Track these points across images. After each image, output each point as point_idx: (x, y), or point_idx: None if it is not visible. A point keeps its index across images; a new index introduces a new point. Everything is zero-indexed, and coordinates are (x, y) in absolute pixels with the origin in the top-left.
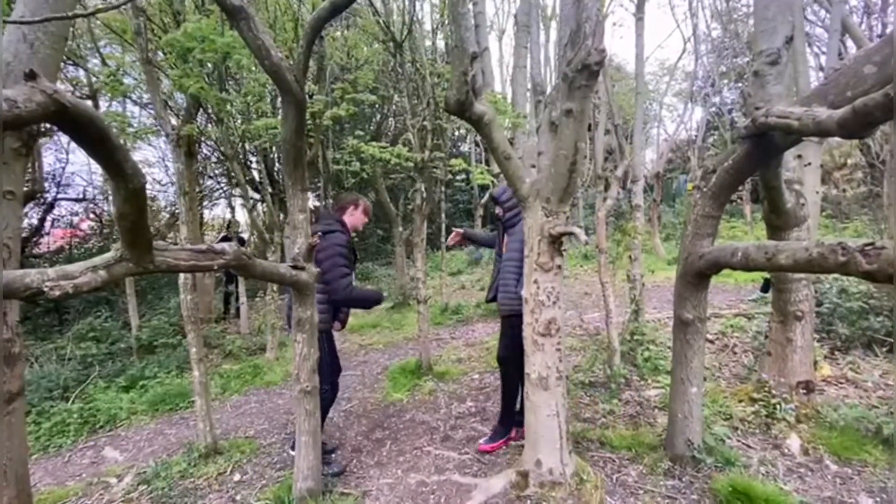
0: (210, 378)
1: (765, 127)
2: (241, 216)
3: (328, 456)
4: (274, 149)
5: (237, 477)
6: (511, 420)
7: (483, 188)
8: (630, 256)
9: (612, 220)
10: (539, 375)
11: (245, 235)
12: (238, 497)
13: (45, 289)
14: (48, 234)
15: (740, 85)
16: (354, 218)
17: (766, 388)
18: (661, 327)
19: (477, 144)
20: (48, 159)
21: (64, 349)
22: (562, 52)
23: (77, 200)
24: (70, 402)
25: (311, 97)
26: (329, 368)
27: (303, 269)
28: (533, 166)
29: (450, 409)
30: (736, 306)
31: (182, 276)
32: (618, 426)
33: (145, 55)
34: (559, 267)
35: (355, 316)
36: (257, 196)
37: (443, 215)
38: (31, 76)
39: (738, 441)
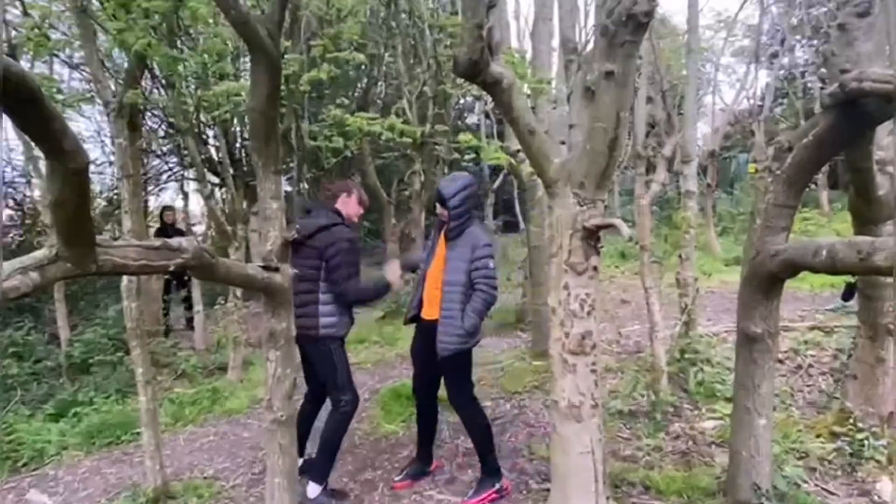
0: (159, 405)
1: (857, 93)
2: (196, 204)
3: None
4: (236, 121)
5: None
6: (497, 467)
7: (495, 170)
8: (680, 255)
9: (655, 209)
10: (569, 403)
11: (183, 227)
12: None
13: None
14: None
15: (816, 42)
16: (349, 207)
17: (852, 420)
18: (717, 343)
19: (487, 116)
20: None
21: None
22: (600, 1)
23: None
24: None
25: (283, 56)
26: (347, 375)
27: (276, 269)
28: (562, 143)
29: (455, 445)
30: (811, 317)
31: (126, 279)
32: (665, 466)
33: (79, 3)
34: (595, 268)
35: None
36: (216, 179)
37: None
38: None
39: (817, 485)
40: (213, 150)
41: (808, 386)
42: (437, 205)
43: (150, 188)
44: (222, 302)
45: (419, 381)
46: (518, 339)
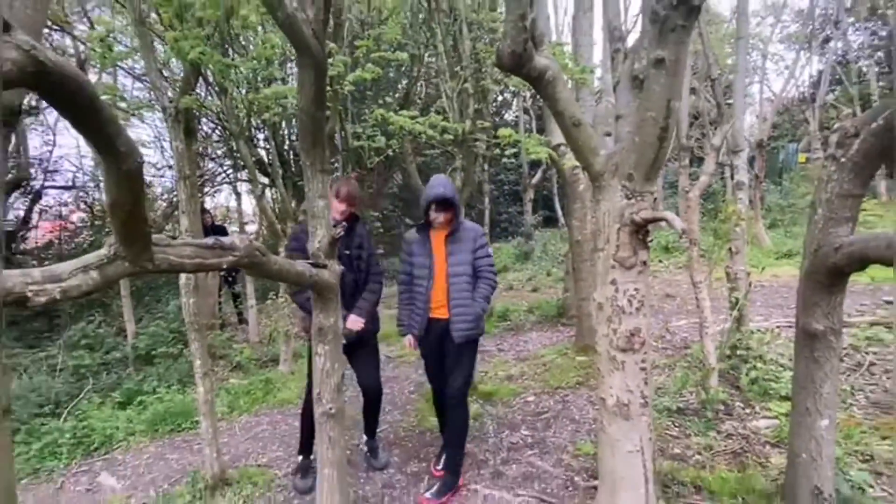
0: (215, 395)
1: None
2: (249, 203)
3: None
4: (284, 124)
5: None
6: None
7: (534, 165)
8: (730, 249)
9: (701, 202)
10: (618, 401)
11: (236, 226)
12: None
13: (29, 294)
14: (36, 226)
15: (871, 24)
16: (336, 208)
17: None
18: (771, 339)
19: (526, 112)
20: (33, 142)
21: (55, 358)
22: None
23: (66, 188)
24: (62, 419)
25: (329, 58)
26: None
27: (324, 266)
28: (608, 135)
29: (500, 439)
30: (870, 312)
31: (184, 276)
32: (718, 466)
33: (137, 15)
34: (644, 263)
35: (383, 321)
36: (266, 180)
37: (486, 199)
38: (5, 27)
39: (884, 490)
40: (263, 153)
41: (869, 385)
42: (433, 207)
43: (206, 189)
44: (273, 297)
45: (437, 378)
46: (560, 334)
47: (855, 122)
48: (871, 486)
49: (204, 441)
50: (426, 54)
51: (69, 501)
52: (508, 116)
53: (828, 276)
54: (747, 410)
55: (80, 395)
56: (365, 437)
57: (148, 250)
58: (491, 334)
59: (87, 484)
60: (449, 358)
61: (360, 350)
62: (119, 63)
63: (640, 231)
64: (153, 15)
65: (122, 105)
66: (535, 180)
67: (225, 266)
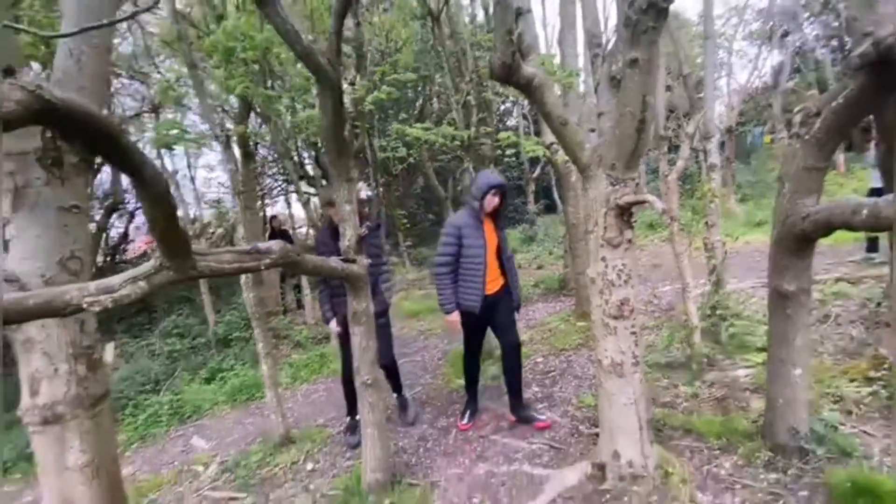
0: (280, 369)
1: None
2: (299, 211)
3: None
4: (321, 142)
5: (310, 466)
6: None
7: (534, 162)
8: (706, 222)
9: (679, 184)
10: (612, 361)
11: (289, 229)
12: (311, 486)
13: (84, 305)
14: (132, 240)
15: (824, 18)
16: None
17: (887, 365)
18: (746, 299)
19: (525, 118)
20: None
21: (153, 345)
22: None
23: None
24: (160, 394)
25: (353, 85)
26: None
27: (353, 261)
28: (592, 130)
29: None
30: (835, 269)
31: (243, 275)
32: (704, 411)
33: (189, 59)
34: (630, 241)
35: (413, 301)
36: (312, 190)
37: None
38: (8, 71)
39: (854, 427)
40: (308, 168)
41: (837, 334)
42: (491, 192)
43: (266, 201)
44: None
45: (479, 344)
46: (562, 304)
47: (816, 103)
48: (843, 424)
49: (270, 409)
50: (437, 74)
51: (169, 460)
52: (511, 122)
53: (796, 242)
54: (728, 361)
55: (174, 375)
56: (395, 395)
57: (189, 259)
58: None
59: (182, 445)
60: (505, 320)
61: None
62: (185, 102)
63: (624, 213)
64: (209, 58)
65: (188, 136)
66: (535, 174)
67: (263, 267)
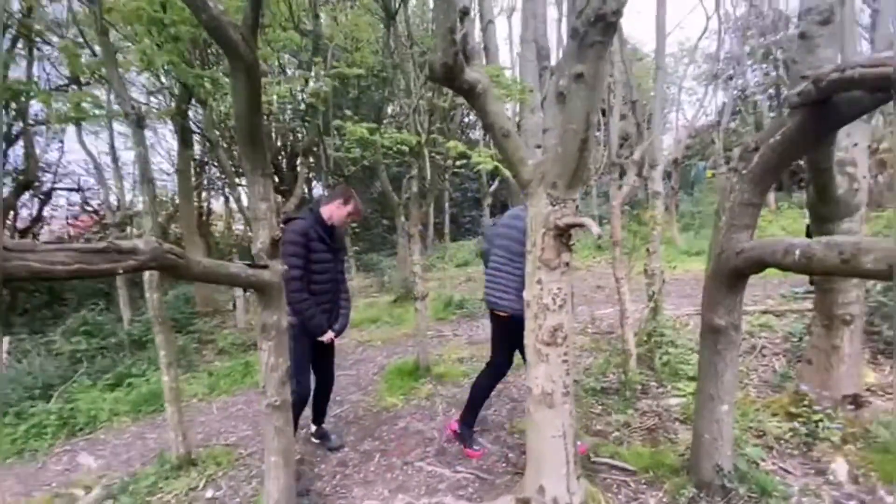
0: (195, 377)
1: (840, 85)
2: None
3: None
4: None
5: (209, 493)
6: None
7: (493, 176)
8: (648, 248)
9: (626, 209)
10: (542, 391)
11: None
12: None
13: None
14: (48, 223)
15: (765, 66)
16: (339, 212)
17: (807, 402)
18: (680, 326)
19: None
20: (52, 152)
21: (55, 343)
22: (570, 4)
23: (72, 190)
24: (52, 401)
25: (306, 82)
26: (294, 367)
27: (264, 267)
28: (538, 147)
29: (447, 418)
30: (762, 301)
31: (147, 272)
32: (634, 441)
33: (99, 25)
34: (567, 264)
35: (356, 310)
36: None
37: (446, 204)
38: None
39: (775, 464)
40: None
41: (762, 366)
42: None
43: (211, 193)
44: None
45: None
46: None
47: (755, 138)
48: (764, 460)
49: (170, 426)
50: (398, 74)
51: (47, 480)
52: (474, 135)
53: (729, 278)
54: (661, 389)
55: (72, 379)
56: (314, 428)
57: None
58: (448, 320)
59: (67, 463)
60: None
61: (329, 348)
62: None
63: (563, 235)
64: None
65: (99, 112)
66: (492, 188)
67: (122, 271)
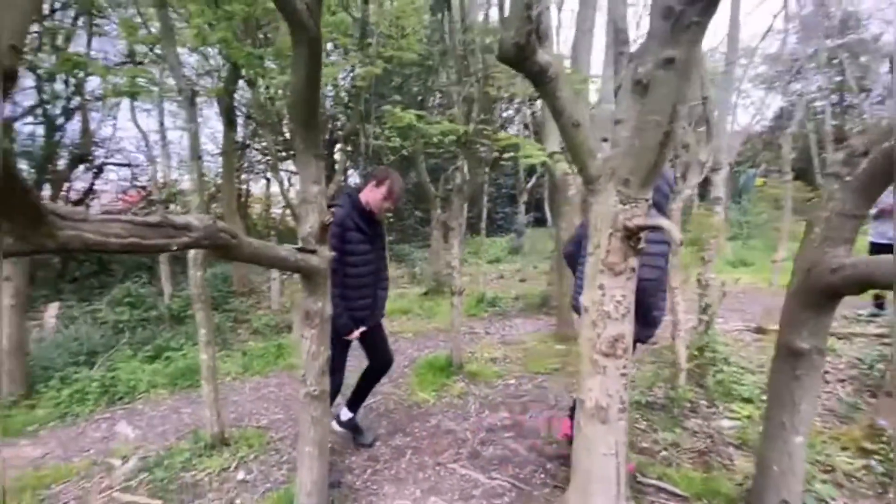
0: (229, 356)
1: None
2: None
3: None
4: (288, 106)
5: (240, 475)
6: None
7: (530, 173)
8: (703, 257)
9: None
10: (596, 404)
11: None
12: (238, 501)
13: None
14: (98, 196)
15: (827, 71)
16: (373, 195)
17: (885, 438)
18: (731, 342)
19: (526, 127)
20: (106, 128)
21: (100, 312)
22: None
23: (123, 165)
24: (95, 368)
25: (353, 68)
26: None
27: (313, 251)
28: (605, 140)
29: (480, 419)
30: None
31: (192, 250)
32: (683, 463)
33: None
34: (633, 270)
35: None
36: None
37: (485, 198)
38: None
39: (846, 503)
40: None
41: (825, 392)
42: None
43: (251, 175)
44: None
45: None
46: (542, 322)
47: (864, 140)
48: (834, 499)
49: (205, 404)
50: (441, 68)
51: (86, 446)
52: (511, 131)
53: (820, 296)
54: (712, 410)
55: (115, 348)
56: (346, 414)
57: (42, 225)
58: (480, 317)
59: (106, 431)
60: None
61: (376, 330)
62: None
63: (632, 238)
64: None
65: (154, 89)
66: (529, 185)
67: (176, 248)
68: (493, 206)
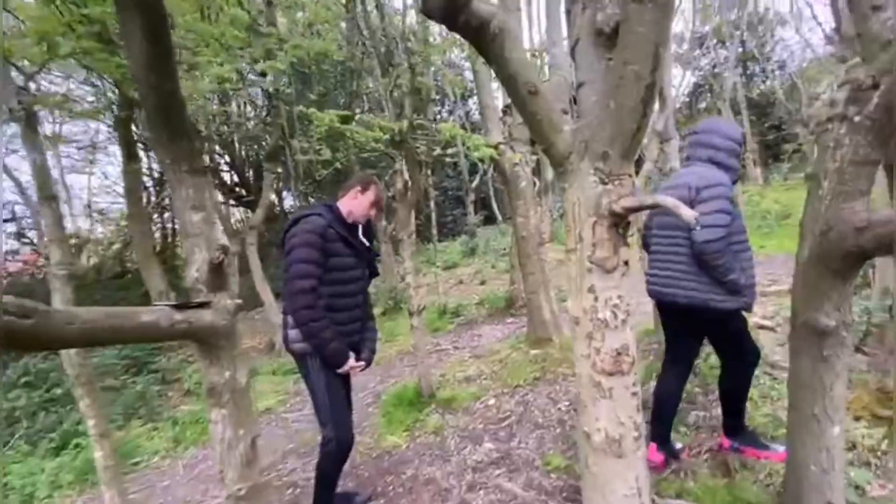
0: (153, 430)
1: None
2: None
3: None
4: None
5: None
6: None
7: (472, 171)
8: None
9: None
10: (607, 437)
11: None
12: None
13: None
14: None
15: (730, 43)
16: (359, 203)
17: None
18: None
19: (463, 127)
20: None
21: None
22: None
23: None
24: None
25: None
26: (327, 402)
27: (203, 305)
28: (564, 112)
29: (463, 457)
30: (783, 281)
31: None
32: (699, 469)
33: None
34: (626, 263)
35: None
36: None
37: (431, 203)
38: None
39: (882, 487)
40: (225, 175)
41: None
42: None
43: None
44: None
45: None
46: (510, 326)
47: (871, 71)
48: (869, 483)
49: None
50: (364, 68)
51: None
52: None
53: (842, 262)
54: (709, 397)
55: (9, 443)
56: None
57: None
58: (446, 331)
59: None
60: None
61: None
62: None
63: (620, 224)
64: None
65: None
66: (474, 184)
67: None
68: (440, 210)
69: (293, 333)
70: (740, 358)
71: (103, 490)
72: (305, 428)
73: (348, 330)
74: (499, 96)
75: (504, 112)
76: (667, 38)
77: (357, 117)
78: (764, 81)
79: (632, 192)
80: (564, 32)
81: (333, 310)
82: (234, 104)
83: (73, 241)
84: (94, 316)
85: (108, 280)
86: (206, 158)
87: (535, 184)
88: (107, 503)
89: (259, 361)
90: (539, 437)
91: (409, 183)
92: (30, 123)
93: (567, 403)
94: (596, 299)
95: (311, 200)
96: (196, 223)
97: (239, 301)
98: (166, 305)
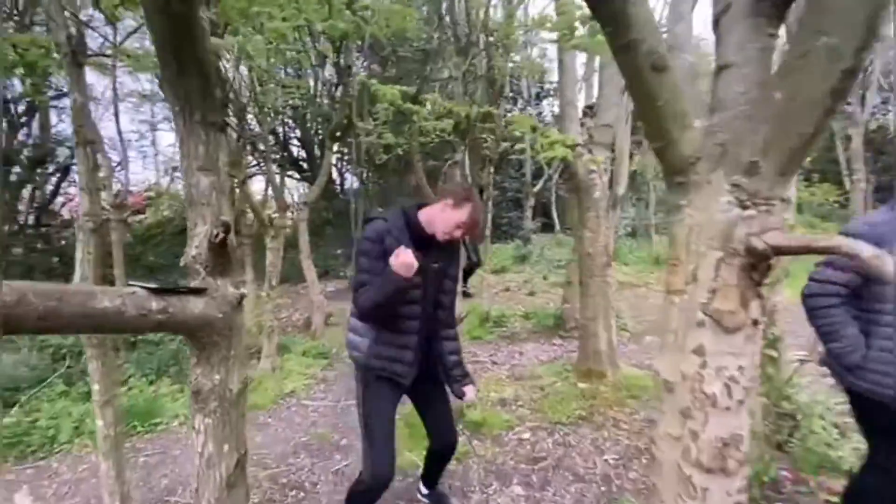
0: (178, 393)
1: None
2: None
3: None
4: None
5: None
6: None
7: (536, 175)
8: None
9: None
10: None
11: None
12: None
13: None
14: (70, 199)
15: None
16: (442, 216)
17: None
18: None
19: (534, 129)
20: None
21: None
22: None
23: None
24: (16, 407)
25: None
26: (369, 427)
27: (197, 291)
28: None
29: (486, 496)
30: None
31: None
32: None
33: None
34: (755, 323)
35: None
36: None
37: (490, 203)
38: None
39: None
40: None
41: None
42: None
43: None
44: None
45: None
46: (558, 349)
47: None
48: None
49: (103, 485)
50: (441, 53)
51: None
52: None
53: None
54: (801, 489)
55: (46, 381)
56: (423, 489)
57: None
58: (485, 341)
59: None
60: None
61: (434, 393)
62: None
63: (757, 267)
64: None
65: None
66: (536, 188)
67: None
68: (498, 211)
69: (353, 338)
70: (885, 468)
71: (100, 460)
72: (324, 421)
73: (397, 355)
74: (581, 94)
75: (584, 113)
76: (888, 3)
77: (426, 98)
78: (885, 114)
79: (782, 226)
80: (691, 5)
81: (384, 329)
82: (310, 80)
83: (149, 193)
84: (49, 291)
85: (174, 235)
86: (265, 132)
87: None
88: (102, 474)
89: (292, 338)
90: (578, 493)
91: (469, 177)
92: (76, 60)
93: (616, 457)
94: (704, 365)
95: (368, 185)
96: (203, 189)
97: (244, 291)
98: (142, 287)
